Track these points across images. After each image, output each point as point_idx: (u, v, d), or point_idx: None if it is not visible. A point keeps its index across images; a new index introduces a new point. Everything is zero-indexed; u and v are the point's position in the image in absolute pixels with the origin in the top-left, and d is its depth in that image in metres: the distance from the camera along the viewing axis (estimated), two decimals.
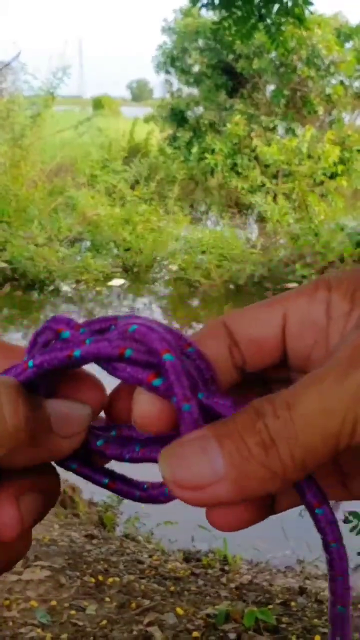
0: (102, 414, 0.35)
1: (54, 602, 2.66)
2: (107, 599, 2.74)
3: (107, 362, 0.32)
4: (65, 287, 8.34)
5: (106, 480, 0.34)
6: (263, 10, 4.33)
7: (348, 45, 12.47)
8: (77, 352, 0.32)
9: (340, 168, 11.21)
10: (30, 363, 0.32)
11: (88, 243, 9.65)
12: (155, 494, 0.33)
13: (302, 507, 0.31)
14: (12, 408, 0.29)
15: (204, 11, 4.52)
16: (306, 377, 0.27)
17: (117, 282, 8.77)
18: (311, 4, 4.43)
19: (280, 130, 12.53)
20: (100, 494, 4.02)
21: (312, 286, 0.32)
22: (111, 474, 0.34)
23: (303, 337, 0.32)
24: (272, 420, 0.27)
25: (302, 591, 2.95)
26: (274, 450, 0.26)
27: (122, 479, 0.34)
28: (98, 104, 21.67)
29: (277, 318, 0.32)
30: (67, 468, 0.34)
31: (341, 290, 0.31)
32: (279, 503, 0.34)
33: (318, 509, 0.30)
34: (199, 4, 4.41)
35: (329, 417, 0.26)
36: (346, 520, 2.32)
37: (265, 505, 0.33)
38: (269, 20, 4.42)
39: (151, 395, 0.30)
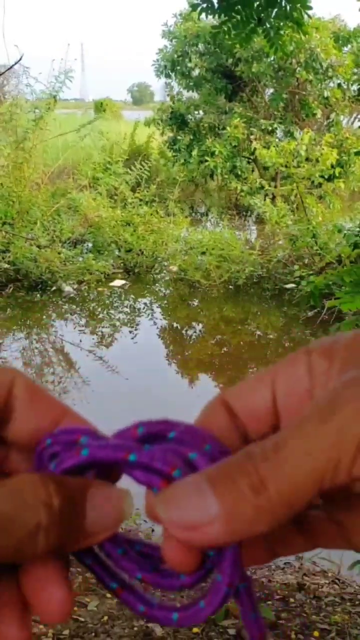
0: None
1: None
2: (108, 595, 2.74)
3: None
4: (67, 288, 8.35)
5: (114, 585, 0.33)
6: (262, 15, 4.37)
7: (346, 48, 12.45)
8: (132, 457, 0.31)
9: (337, 170, 11.25)
10: (85, 452, 0.31)
11: (90, 244, 9.66)
12: (159, 616, 0.32)
13: None
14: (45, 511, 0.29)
15: (203, 16, 4.55)
16: (292, 422, 0.29)
17: (118, 282, 8.80)
18: (310, 7, 4.47)
19: (279, 133, 12.51)
20: None
21: (295, 354, 0.34)
22: (122, 582, 0.34)
23: (291, 400, 0.33)
24: (261, 462, 0.28)
25: (300, 587, 2.95)
26: (264, 490, 0.28)
27: (131, 589, 0.33)
28: (100, 107, 21.62)
29: (267, 387, 0.34)
30: (80, 560, 0.33)
31: (318, 350, 0.33)
32: (285, 545, 0.36)
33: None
34: (198, 9, 4.47)
35: (313, 458, 0.28)
36: None
37: (265, 548, 0.36)
38: (267, 25, 4.45)
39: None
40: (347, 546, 0.34)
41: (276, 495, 0.28)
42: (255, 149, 11.00)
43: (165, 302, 8.50)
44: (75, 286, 8.48)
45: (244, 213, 13.00)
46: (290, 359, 0.34)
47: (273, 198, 10.75)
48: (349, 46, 12.53)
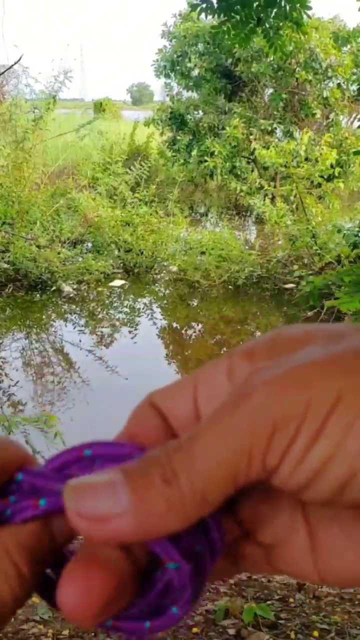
0: None
1: None
2: None
3: None
4: (67, 288, 8.36)
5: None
6: (261, 15, 4.38)
7: (345, 48, 12.42)
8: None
9: (337, 170, 11.25)
10: (42, 502, 0.30)
11: (89, 244, 9.68)
12: (129, 627, 0.30)
13: None
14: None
15: (203, 16, 4.55)
16: (208, 414, 0.28)
17: (118, 282, 8.81)
18: (309, 8, 4.48)
19: (279, 133, 12.50)
20: None
21: (217, 359, 0.33)
22: None
23: (210, 403, 0.32)
24: (174, 453, 0.27)
25: (300, 587, 2.94)
26: (175, 482, 0.27)
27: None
28: (99, 107, 21.63)
29: (189, 392, 0.33)
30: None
31: (240, 353, 0.32)
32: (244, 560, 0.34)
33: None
34: (198, 9, 4.47)
35: (225, 447, 0.27)
36: None
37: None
38: (267, 25, 4.47)
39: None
40: (268, 568, 0.32)
41: (188, 487, 0.27)
42: (254, 149, 11.01)
43: (165, 302, 8.51)
44: (75, 286, 8.48)
45: (244, 213, 13.02)
46: (211, 364, 0.33)
47: (272, 198, 10.76)
48: (349, 46, 12.52)
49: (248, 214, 12.93)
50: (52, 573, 0.31)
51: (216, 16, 4.45)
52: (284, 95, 12.55)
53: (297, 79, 12.44)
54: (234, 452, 0.27)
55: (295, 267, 8.57)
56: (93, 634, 2.48)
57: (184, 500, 0.27)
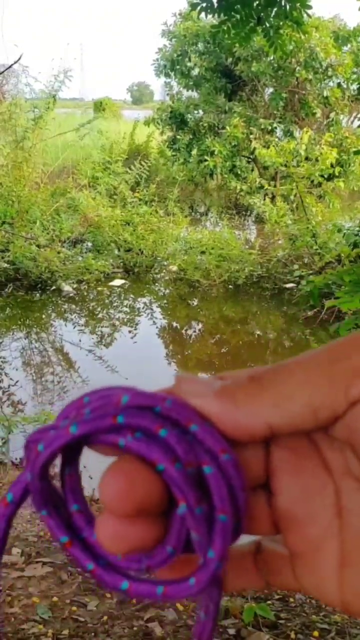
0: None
1: (55, 598, 2.65)
2: (108, 595, 2.73)
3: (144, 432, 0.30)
4: (66, 288, 8.36)
5: (65, 539, 0.31)
6: (261, 14, 4.38)
7: (345, 48, 12.42)
8: (120, 418, 0.29)
9: (337, 170, 11.25)
10: (74, 428, 0.29)
11: (89, 244, 9.68)
12: (142, 590, 0.31)
13: None
14: None
15: (203, 15, 4.55)
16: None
17: (118, 282, 8.81)
18: (309, 7, 4.48)
19: (279, 132, 12.50)
20: None
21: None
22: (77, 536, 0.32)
23: None
24: (265, 372, 0.31)
25: None
26: (260, 387, 0.30)
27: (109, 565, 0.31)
28: (99, 106, 21.63)
29: None
30: (37, 507, 0.31)
31: None
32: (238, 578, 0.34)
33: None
34: (198, 8, 4.47)
35: (311, 377, 0.29)
36: None
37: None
38: (267, 24, 4.46)
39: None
40: (292, 580, 0.32)
41: (271, 396, 0.29)
42: (254, 148, 11.00)
43: (165, 301, 8.51)
44: (75, 286, 8.48)
45: (244, 212, 13.01)
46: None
47: (273, 197, 10.76)
48: (349, 45, 12.52)
49: (248, 213, 12.93)
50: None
51: (216, 15, 4.44)
52: (284, 95, 12.55)
53: (297, 78, 12.44)
54: (319, 380, 0.29)
55: (296, 266, 8.57)
56: (93, 633, 2.47)
57: (262, 403, 0.29)
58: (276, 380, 0.29)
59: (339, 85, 12.56)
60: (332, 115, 12.88)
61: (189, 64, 13.27)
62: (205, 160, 12.50)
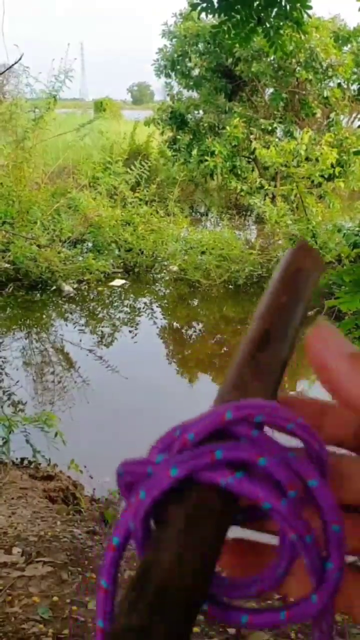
0: None
1: (55, 598, 2.65)
2: None
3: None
4: (67, 288, 8.37)
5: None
6: (262, 14, 4.37)
7: (346, 48, 12.43)
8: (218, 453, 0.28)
9: (337, 170, 11.24)
10: (174, 471, 0.28)
11: (90, 244, 9.68)
12: (265, 620, 0.31)
13: None
14: None
15: (203, 15, 4.55)
16: None
17: (118, 282, 8.82)
18: (310, 7, 4.47)
19: (279, 132, 12.49)
20: (101, 491, 4.04)
21: None
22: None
23: None
24: None
25: None
26: None
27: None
28: (99, 107, 21.61)
29: None
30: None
31: None
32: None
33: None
34: (198, 8, 4.46)
35: None
36: None
37: None
38: (267, 24, 4.46)
39: None
40: None
41: None
42: (255, 148, 11.00)
43: (165, 301, 8.51)
44: (75, 286, 8.49)
45: (244, 213, 13.01)
46: None
47: (273, 198, 10.75)
48: (349, 46, 12.53)
49: (248, 213, 12.93)
50: None
51: (216, 16, 4.44)
52: (284, 95, 12.54)
53: (297, 78, 12.44)
54: None
55: None
56: (93, 633, 2.44)
57: None
58: None
59: (339, 85, 12.56)
60: (332, 115, 12.88)
61: (189, 64, 13.28)
62: (206, 160, 12.50)
